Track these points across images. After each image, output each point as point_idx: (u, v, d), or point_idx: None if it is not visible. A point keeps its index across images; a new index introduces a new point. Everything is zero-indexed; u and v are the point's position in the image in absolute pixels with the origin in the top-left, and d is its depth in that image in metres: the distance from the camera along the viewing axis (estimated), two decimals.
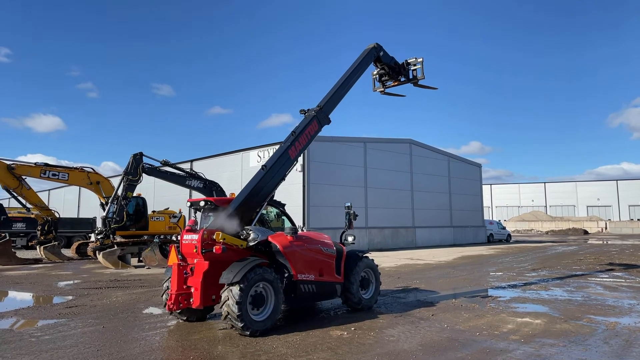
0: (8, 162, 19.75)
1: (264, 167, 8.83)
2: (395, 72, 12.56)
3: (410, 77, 12.64)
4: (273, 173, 8.83)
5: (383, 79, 12.83)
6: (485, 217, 45.10)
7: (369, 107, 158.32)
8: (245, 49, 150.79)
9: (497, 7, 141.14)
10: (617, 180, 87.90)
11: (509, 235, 43.88)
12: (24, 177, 20.19)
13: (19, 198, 20.64)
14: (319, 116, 9.95)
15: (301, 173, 27.27)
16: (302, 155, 26.82)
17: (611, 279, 14.34)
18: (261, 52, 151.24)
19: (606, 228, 69.02)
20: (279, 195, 10.12)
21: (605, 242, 39.86)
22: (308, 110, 10.07)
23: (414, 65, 12.52)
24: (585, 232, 65.42)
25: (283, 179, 9.10)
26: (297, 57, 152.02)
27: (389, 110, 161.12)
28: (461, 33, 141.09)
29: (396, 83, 12.80)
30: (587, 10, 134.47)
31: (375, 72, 12.82)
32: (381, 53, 11.92)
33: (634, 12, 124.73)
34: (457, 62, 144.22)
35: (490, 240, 41.90)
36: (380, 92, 13.01)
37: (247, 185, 8.69)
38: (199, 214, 8.97)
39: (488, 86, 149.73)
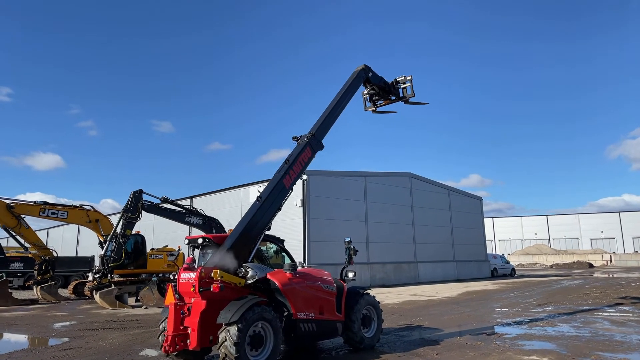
0: (7, 201, 19.73)
1: (259, 198, 8.76)
2: (385, 91, 12.69)
3: (401, 95, 12.76)
4: (269, 204, 8.76)
5: (374, 98, 12.97)
6: (488, 251, 44.61)
7: (367, 143, 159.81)
8: (242, 84, 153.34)
9: (491, 26, 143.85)
10: (619, 212, 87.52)
11: (513, 270, 43.26)
12: (23, 216, 20.13)
13: (17, 237, 20.50)
14: (312, 142, 9.89)
15: (301, 208, 27.18)
16: (302, 190, 27.10)
17: (618, 314, 14.03)
18: (258, 87, 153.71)
19: (611, 261, 68.12)
20: (279, 231, 10.03)
21: (610, 276, 39.26)
22: (300, 137, 10.01)
23: (404, 83, 12.65)
24: (590, 265, 64.48)
25: (279, 209, 9.01)
26: (293, 90, 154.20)
27: (388, 145, 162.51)
28: (457, 56, 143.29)
29: (387, 102, 12.94)
30: (585, 43, 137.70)
31: (365, 92, 12.94)
32: (370, 74, 12.05)
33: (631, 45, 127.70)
34: (452, 91, 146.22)
35: (494, 274, 41.30)
36: (372, 111, 13.15)
37: (243, 218, 8.59)
38: (197, 252, 8.86)
39: (486, 119, 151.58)
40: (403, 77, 12.65)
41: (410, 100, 12.72)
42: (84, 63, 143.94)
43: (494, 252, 55.16)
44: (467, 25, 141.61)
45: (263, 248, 9.47)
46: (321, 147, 10.16)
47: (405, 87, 12.68)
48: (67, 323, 13.96)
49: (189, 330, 7.43)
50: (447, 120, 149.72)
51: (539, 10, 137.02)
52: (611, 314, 13.97)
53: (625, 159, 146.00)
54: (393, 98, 12.84)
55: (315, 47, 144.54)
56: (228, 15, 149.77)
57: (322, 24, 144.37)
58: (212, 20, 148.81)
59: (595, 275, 41.26)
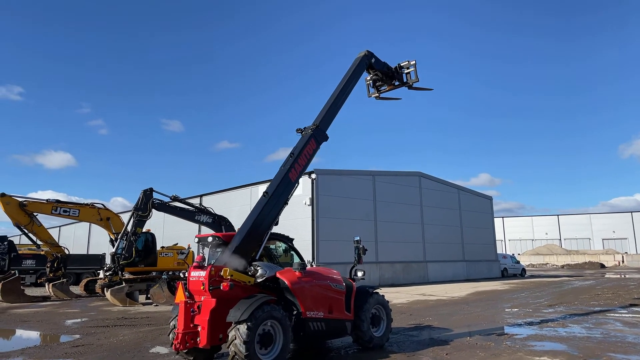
0: (20, 199, 19.99)
1: (265, 193, 8.72)
2: (388, 77, 12.47)
3: (404, 80, 12.54)
4: (275, 199, 8.71)
5: (377, 84, 12.74)
6: (498, 251, 44.32)
7: (376, 142, 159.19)
8: (250, 82, 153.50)
9: (498, 19, 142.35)
10: (631, 212, 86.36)
11: (524, 270, 42.94)
12: (35, 213, 20.37)
13: (30, 235, 20.75)
14: (316, 134, 9.75)
15: (310, 207, 27.19)
16: (311, 189, 27.10)
17: (630, 315, 13.86)
18: (266, 85, 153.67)
19: (623, 261, 67.29)
20: (288, 229, 10.02)
21: (622, 276, 38.81)
22: (304, 129, 9.86)
23: (407, 68, 12.43)
24: (602, 266, 63.81)
25: (286, 203, 8.94)
26: (301, 87, 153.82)
27: (397, 144, 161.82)
28: (464, 50, 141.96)
29: (390, 88, 12.70)
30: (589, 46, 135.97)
31: (368, 78, 12.70)
32: (373, 60, 11.82)
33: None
34: (459, 89, 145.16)
35: (504, 274, 41.02)
36: (375, 97, 12.90)
37: (250, 214, 8.55)
38: (207, 250, 8.90)
39: (495, 117, 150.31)
40: (407, 62, 12.40)
41: (414, 85, 12.44)
42: (94, 62, 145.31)
43: (504, 252, 54.65)
44: (475, 18, 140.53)
45: (272, 247, 9.49)
46: (326, 138, 10.00)
47: (409, 72, 12.43)
48: (79, 320, 14.11)
49: (199, 328, 7.47)
50: (457, 118, 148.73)
51: (550, 5, 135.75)
52: (623, 315, 13.81)
53: (638, 159, 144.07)
54: (397, 83, 12.58)
55: (323, 40, 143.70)
56: (232, 14, 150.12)
57: (327, 16, 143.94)
58: (215, 20, 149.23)
59: (607, 275, 40.81)
